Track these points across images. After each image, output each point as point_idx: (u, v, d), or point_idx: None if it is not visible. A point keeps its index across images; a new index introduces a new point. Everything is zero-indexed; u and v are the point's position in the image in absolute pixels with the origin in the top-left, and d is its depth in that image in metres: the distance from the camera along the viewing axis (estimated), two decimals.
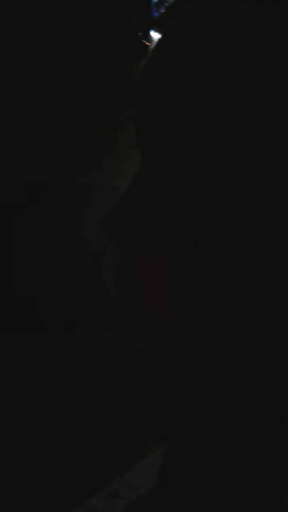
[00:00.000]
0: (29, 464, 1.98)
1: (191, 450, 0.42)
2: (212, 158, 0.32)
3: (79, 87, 6.51)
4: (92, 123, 6.04)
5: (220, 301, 0.35)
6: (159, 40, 0.36)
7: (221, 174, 0.32)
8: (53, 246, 3.58)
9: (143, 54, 7.93)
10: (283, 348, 0.35)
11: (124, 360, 2.36)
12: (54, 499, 1.84)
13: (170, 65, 0.34)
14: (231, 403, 0.37)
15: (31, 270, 3.35)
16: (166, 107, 0.33)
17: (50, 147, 5.38)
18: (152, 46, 9.04)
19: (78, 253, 3.44)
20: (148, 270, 0.35)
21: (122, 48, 7.61)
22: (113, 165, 4.63)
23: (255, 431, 0.36)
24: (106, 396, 2.28)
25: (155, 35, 9.56)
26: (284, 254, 0.32)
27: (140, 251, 0.36)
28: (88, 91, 6.57)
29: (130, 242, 0.36)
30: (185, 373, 0.40)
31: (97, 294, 2.96)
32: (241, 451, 0.37)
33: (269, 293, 0.34)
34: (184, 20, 0.34)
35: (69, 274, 3.21)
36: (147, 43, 8.41)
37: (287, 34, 0.31)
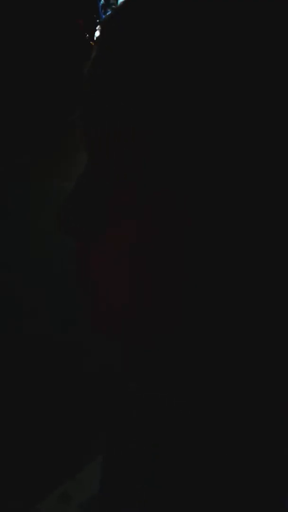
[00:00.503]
0: None
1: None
2: (203, 156, 0.32)
3: (23, 89, 6.43)
4: (40, 125, 5.98)
5: (217, 298, 0.35)
6: (103, 41, 0.36)
7: (215, 172, 0.32)
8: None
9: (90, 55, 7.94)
10: (282, 347, 0.35)
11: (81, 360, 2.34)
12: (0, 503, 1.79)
13: (119, 64, 0.34)
14: (231, 403, 0.37)
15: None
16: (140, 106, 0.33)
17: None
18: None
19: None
20: (103, 260, 0.36)
21: (68, 49, 7.57)
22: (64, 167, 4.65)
23: (255, 431, 0.35)
24: (60, 397, 2.25)
25: None
26: (282, 251, 0.33)
27: (95, 245, 0.36)
28: (34, 93, 6.49)
29: (84, 236, 0.36)
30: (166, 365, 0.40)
31: None
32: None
33: (268, 292, 0.34)
34: (133, 20, 0.34)
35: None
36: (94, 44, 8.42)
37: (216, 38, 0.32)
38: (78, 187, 0.37)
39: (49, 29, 6.82)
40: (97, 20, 8.45)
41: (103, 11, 9.31)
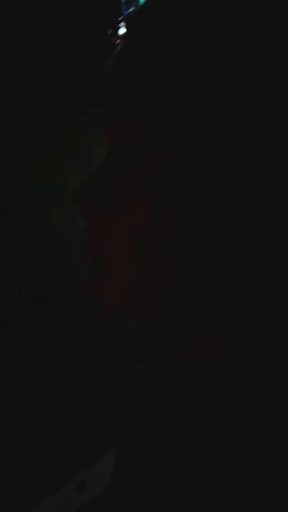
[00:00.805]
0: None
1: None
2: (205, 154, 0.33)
3: (47, 85, 6.45)
4: (59, 121, 5.99)
5: (217, 297, 0.35)
6: (126, 37, 0.36)
7: (215, 172, 0.33)
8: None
9: (112, 51, 7.91)
10: (282, 344, 0.35)
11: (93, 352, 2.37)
12: (20, 491, 1.84)
13: (146, 57, 0.34)
14: (231, 402, 0.37)
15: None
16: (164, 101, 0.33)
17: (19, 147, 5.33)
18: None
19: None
20: (116, 240, 0.36)
21: (91, 45, 7.57)
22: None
23: (255, 431, 0.36)
24: (80, 392, 2.29)
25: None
26: (281, 250, 0.33)
27: (108, 223, 0.37)
28: (56, 89, 6.52)
29: (99, 216, 0.37)
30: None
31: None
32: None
33: (266, 288, 0.34)
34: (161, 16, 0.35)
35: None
36: (116, 41, 8.40)
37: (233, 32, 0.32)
38: (94, 174, 0.38)
39: (72, 24, 6.82)
40: (120, 17, 8.44)
41: (125, 7, 9.29)
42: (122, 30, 9.18)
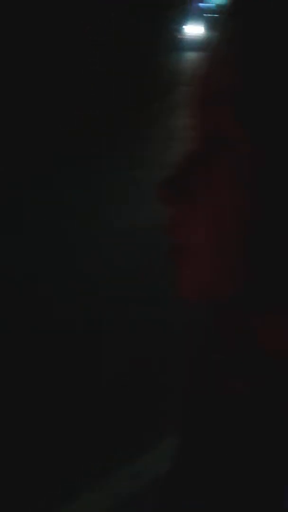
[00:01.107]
0: (49, 444, 1.93)
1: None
2: None
3: (113, 77, 6.44)
4: (123, 114, 5.99)
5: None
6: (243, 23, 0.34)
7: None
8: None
9: (176, 47, 7.78)
10: None
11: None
12: (72, 479, 1.82)
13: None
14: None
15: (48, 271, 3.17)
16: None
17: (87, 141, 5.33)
18: (186, 39, 8.63)
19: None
20: (197, 228, 0.37)
21: (156, 40, 7.54)
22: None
23: (255, 431, 0.36)
24: (134, 386, 2.19)
25: (190, 29, 9.27)
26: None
27: (191, 211, 0.37)
28: (122, 82, 6.51)
29: (181, 203, 0.37)
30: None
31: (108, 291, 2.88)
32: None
33: None
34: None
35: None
36: (180, 36, 8.24)
37: None
38: (179, 162, 0.38)
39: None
40: (187, 13, 8.24)
41: (191, 2, 8.98)
42: (186, 27, 8.96)
